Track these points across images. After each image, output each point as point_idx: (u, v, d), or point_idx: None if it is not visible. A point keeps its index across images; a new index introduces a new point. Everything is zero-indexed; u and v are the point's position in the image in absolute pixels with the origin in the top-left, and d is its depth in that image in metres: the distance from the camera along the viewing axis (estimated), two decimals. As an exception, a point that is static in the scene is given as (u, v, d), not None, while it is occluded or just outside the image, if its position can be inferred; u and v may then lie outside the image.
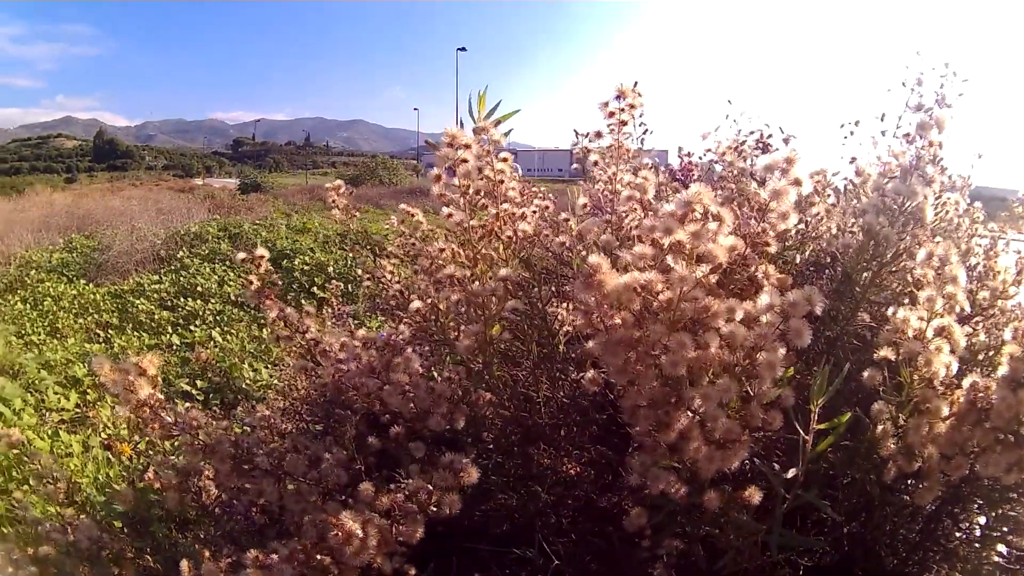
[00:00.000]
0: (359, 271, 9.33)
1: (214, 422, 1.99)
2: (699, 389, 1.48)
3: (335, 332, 2.12)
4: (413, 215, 2.26)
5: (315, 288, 9.12)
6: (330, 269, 10.12)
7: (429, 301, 2.09)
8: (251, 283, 2.06)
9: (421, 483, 1.68)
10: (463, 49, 70.11)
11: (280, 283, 2.13)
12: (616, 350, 1.45)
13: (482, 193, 1.94)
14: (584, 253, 2.09)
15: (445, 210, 1.93)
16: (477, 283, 1.90)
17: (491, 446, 2.07)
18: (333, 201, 2.41)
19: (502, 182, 1.94)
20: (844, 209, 2.49)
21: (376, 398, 1.90)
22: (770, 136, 2.82)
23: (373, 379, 1.89)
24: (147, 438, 3.80)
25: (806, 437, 1.63)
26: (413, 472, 1.82)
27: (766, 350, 1.46)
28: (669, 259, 1.43)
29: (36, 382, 6.00)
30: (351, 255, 10.40)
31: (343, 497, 1.81)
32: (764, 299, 1.49)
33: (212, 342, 7.50)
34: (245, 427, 2.16)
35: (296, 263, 10.35)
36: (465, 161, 1.87)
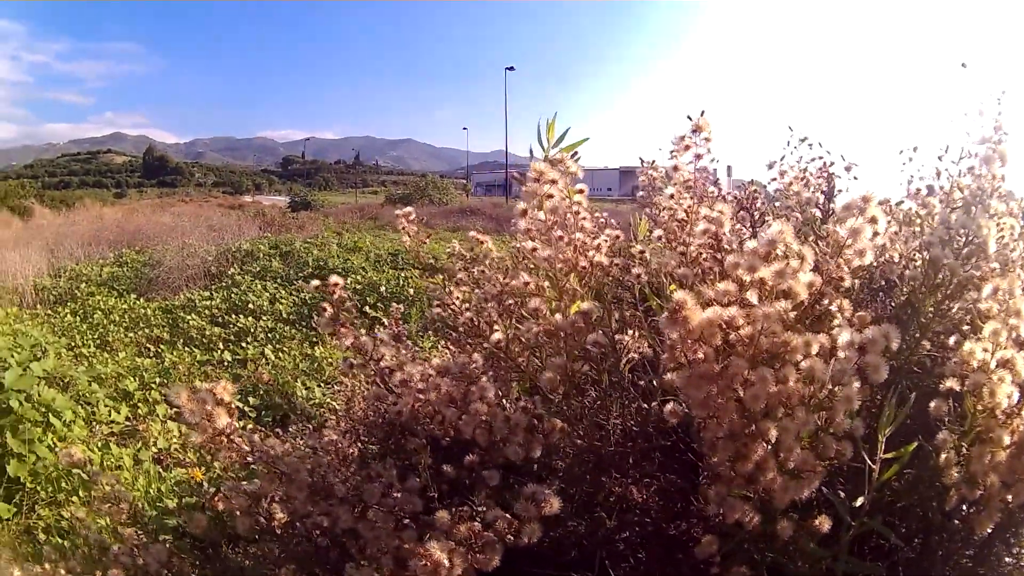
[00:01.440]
0: (411, 291, 9.36)
1: (285, 445, 2.03)
2: (776, 421, 1.51)
3: (404, 358, 2.15)
4: (483, 242, 2.29)
5: (367, 307, 9.09)
6: (382, 288, 10.13)
7: (510, 332, 2.11)
8: (325, 311, 2.11)
9: (499, 512, 1.71)
10: (511, 68, 70.11)
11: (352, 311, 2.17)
12: (699, 383, 1.48)
13: (555, 224, 1.97)
14: (646, 279, 2.11)
15: (528, 244, 1.96)
16: (559, 316, 1.92)
17: (561, 474, 2.09)
18: (403, 228, 2.47)
19: (578, 213, 1.98)
20: (906, 238, 2.49)
21: (451, 426, 1.94)
22: (832, 164, 2.83)
23: (451, 408, 1.93)
24: (211, 460, 3.85)
25: (873, 466, 1.65)
26: (485, 500, 1.84)
27: (843, 384, 1.49)
28: (750, 294, 1.46)
29: (87, 395, 6.03)
30: (406, 278, 10.42)
31: (415, 524, 1.83)
32: (845, 336, 1.52)
33: (264, 359, 7.58)
34: (307, 449, 2.19)
35: (348, 282, 10.33)
36: (551, 196, 1.91)
